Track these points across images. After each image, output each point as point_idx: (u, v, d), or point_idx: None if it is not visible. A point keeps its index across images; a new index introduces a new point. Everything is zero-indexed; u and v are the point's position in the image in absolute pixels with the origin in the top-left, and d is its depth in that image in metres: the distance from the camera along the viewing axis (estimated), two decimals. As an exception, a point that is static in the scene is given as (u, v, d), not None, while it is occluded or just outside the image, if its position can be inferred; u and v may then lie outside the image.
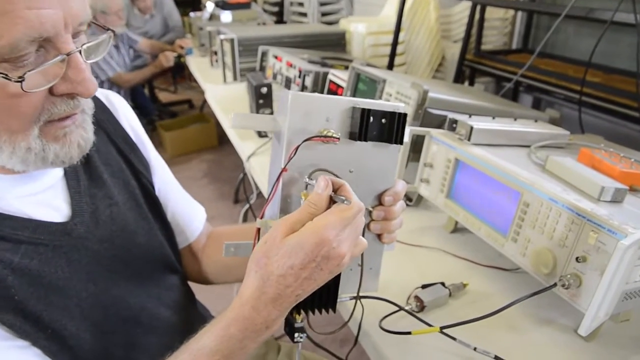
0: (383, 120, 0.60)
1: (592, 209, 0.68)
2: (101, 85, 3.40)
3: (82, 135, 0.59)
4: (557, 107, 1.95)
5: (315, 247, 0.50)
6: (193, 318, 0.82)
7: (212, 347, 0.53)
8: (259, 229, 0.59)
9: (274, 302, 0.52)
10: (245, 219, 2.55)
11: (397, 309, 0.78)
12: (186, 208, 0.88)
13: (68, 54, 0.51)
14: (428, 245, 1.01)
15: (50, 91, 0.53)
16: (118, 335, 0.66)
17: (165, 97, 5.16)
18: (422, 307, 0.80)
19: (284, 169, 0.57)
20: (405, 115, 0.61)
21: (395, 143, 0.62)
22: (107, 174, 0.71)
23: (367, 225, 0.66)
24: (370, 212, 0.65)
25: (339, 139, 0.59)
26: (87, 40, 0.55)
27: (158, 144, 4.03)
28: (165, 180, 0.84)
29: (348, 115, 0.60)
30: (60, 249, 0.60)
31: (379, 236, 0.68)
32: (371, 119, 0.59)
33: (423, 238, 1.03)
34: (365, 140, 0.60)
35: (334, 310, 0.61)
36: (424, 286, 0.84)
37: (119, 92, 3.58)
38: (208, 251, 0.90)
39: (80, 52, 0.53)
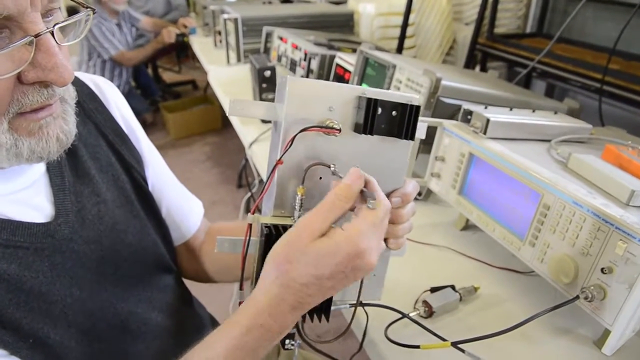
0: (393, 113, 0.54)
1: (621, 216, 0.62)
2: (103, 64, 3.33)
3: (61, 127, 0.52)
4: (572, 95, 1.87)
5: (347, 259, 0.46)
6: (188, 320, 0.78)
7: (226, 356, 0.49)
8: (250, 225, 0.54)
9: (292, 310, 0.49)
10: (248, 207, 2.50)
11: (402, 316, 0.73)
12: (182, 203, 0.83)
13: (36, 36, 0.45)
14: (437, 244, 0.96)
15: (19, 79, 0.46)
16: (106, 342, 0.62)
17: (170, 77, 5.09)
18: (430, 313, 0.76)
19: (279, 161, 0.52)
20: (419, 107, 0.56)
21: (406, 138, 0.56)
22: (94, 169, 0.66)
23: None
24: None
25: (339, 130, 0.53)
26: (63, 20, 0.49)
27: (161, 126, 3.99)
28: (159, 174, 0.79)
29: (354, 105, 0.54)
30: (42, 252, 0.55)
31: (385, 240, 0.62)
32: (379, 110, 0.53)
33: (432, 235, 0.98)
34: (372, 133, 0.54)
35: (327, 319, 0.57)
36: (433, 290, 0.80)
37: (121, 72, 3.54)
38: (206, 248, 0.84)
39: (52, 34, 0.46)
